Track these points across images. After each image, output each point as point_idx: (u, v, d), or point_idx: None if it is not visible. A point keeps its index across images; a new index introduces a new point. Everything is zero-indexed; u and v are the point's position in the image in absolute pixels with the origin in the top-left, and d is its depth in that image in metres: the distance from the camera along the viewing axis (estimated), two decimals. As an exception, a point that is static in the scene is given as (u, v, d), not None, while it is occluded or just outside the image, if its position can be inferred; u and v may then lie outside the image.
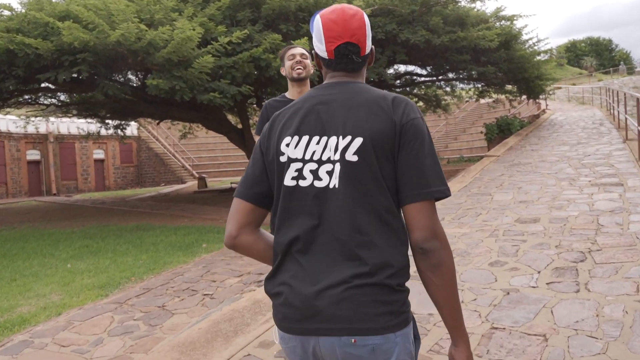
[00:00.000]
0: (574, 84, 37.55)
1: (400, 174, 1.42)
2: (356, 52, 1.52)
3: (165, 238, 9.17)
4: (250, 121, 20.50)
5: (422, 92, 20.32)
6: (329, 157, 1.45)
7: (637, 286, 4.08)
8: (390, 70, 16.39)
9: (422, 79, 18.98)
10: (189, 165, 31.87)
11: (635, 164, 9.71)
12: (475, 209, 7.72)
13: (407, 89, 19.34)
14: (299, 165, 1.47)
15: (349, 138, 1.43)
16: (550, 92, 21.15)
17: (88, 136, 23.32)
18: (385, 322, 1.37)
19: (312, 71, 3.15)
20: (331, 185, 1.44)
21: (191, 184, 26.80)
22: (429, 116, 24.43)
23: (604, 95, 26.28)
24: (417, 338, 1.50)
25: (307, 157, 1.47)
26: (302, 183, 1.47)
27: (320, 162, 1.46)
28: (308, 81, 3.19)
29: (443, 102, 21.23)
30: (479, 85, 19.71)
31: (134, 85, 14.78)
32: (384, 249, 1.40)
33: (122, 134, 22.38)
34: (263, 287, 1.64)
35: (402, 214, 1.45)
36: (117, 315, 4.85)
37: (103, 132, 22.58)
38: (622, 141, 12.91)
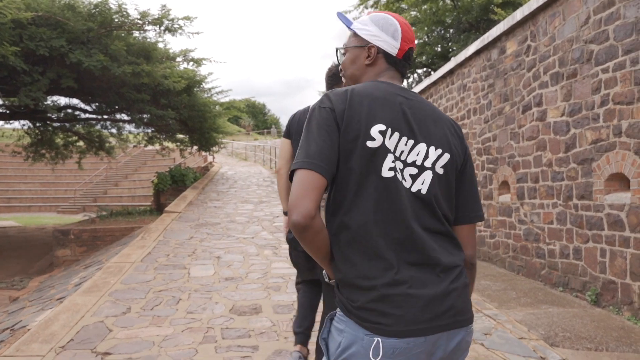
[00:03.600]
0: (234, 140, 38.95)
1: (462, 196, 1.52)
2: (412, 60, 1.55)
3: None
4: None
5: (84, 131, 17.39)
6: (414, 161, 1.41)
7: None
8: (48, 102, 13.16)
9: (86, 115, 16.12)
10: None
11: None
12: (171, 291, 5.81)
13: (67, 124, 16.20)
14: (392, 158, 1.38)
15: (439, 151, 1.44)
16: (222, 146, 20.65)
17: None
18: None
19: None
20: (414, 189, 1.40)
21: None
22: (89, 158, 21.32)
23: (267, 154, 27.65)
24: None
25: (397, 154, 1.40)
26: (397, 177, 1.38)
27: (405, 163, 1.40)
28: None
29: (107, 144, 18.61)
30: (149, 131, 17.78)
31: None
32: (458, 254, 1.47)
33: None
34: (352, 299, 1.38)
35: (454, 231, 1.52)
36: None
37: None
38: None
